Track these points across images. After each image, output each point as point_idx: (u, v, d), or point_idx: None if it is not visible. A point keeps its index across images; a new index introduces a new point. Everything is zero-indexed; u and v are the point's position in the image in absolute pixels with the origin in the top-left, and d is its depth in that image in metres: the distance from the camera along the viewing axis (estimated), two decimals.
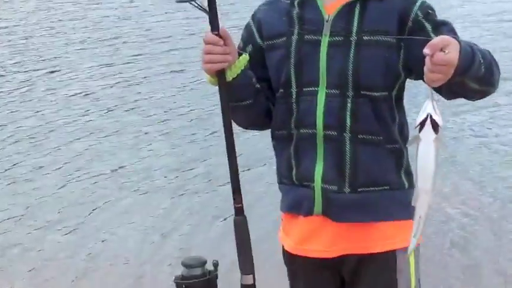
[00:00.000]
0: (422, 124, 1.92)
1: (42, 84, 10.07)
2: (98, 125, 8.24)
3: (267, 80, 2.30)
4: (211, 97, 7.99)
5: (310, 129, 2.20)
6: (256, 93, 2.28)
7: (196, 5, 2.11)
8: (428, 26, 2.16)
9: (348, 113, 2.17)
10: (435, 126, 1.92)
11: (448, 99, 2.18)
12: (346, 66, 2.16)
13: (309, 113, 2.20)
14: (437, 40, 1.91)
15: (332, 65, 2.18)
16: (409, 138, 2.07)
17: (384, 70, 2.17)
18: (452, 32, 2.11)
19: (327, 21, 2.19)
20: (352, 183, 2.19)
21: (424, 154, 1.95)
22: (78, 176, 6.78)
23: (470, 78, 2.03)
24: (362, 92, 2.17)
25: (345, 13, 2.18)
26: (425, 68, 1.93)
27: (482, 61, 2.04)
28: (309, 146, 2.22)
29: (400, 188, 2.23)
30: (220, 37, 2.15)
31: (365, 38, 2.16)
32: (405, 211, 2.15)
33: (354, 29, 2.17)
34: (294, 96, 2.23)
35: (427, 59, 1.91)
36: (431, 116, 1.91)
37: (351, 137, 2.17)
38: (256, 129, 2.48)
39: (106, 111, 8.77)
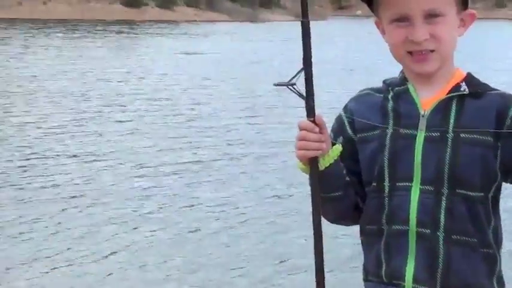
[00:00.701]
0: None
1: None
2: None
3: (356, 174, 2.24)
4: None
5: (402, 225, 2.13)
6: (346, 185, 2.23)
7: (294, 89, 2.10)
8: None
9: (443, 211, 2.10)
10: None
11: None
12: (443, 162, 2.11)
13: (401, 209, 2.13)
14: None
15: (428, 161, 2.12)
16: None
17: (481, 170, 2.11)
18: None
19: (423, 116, 2.15)
20: (443, 285, 2.10)
21: None
22: None
23: None
24: (457, 191, 2.10)
25: (442, 109, 2.14)
26: None
27: None
28: (400, 243, 2.14)
29: None
30: (316, 124, 2.12)
31: (462, 135, 2.11)
32: None
33: (451, 125, 2.12)
34: (386, 191, 2.16)
35: None
36: None
37: (445, 236, 2.10)
38: (342, 224, 2.40)
39: None
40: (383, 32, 2.22)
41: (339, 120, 2.30)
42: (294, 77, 2.08)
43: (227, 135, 14.34)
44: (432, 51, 2.12)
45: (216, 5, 79.78)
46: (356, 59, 30.14)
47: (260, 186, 10.57)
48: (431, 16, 2.10)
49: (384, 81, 2.29)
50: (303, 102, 2.11)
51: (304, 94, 2.09)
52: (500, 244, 2.16)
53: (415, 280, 2.11)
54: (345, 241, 7.46)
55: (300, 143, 2.12)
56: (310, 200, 2.14)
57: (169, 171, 11.21)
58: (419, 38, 2.10)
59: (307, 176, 2.17)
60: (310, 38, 2.10)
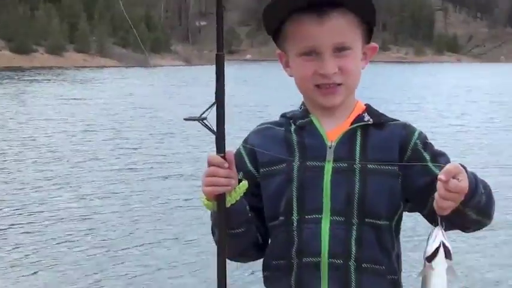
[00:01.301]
0: (433, 253, 1.86)
1: None
2: None
3: (256, 209, 2.22)
4: None
5: (314, 257, 2.12)
6: (248, 222, 2.19)
7: (205, 124, 2.05)
8: (427, 156, 2.15)
9: (353, 241, 2.11)
10: (448, 254, 1.87)
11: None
12: (352, 193, 2.12)
13: (313, 241, 2.12)
14: (451, 167, 1.90)
15: (337, 192, 2.13)
16: (423, 269, 1.95)
17: (387, 199, 2.14)
18: (448, 163, 2.07)
19: (330, 148, 2.16)
20: None
21: (437, 285, 1.88)
22: None
23: (471, 208, 2.01)
24: (367, 220, 2.13)
25: (347, 140, 2.16)
26: (437, 195, 1.90)
27: (483, 191, 2.04)
28: (312, 275, 2.13)
29: None
30: (225, 160, 2.07)
31: (369, 166, 2.14)
32: None
33: (357, 156, 2.15)
34: (295, 224, 2.15)
35: (440, 186, 1.89)
36: (444, 244, 1.86)
37: (356, 265, 2.11)
38: (240, 261, 2.35)
39: None
40: (286, 65, 2.23)
41: (238, 154, 2.23)
42: (205, 112, 2.06)
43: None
44: (339, 84, 2.14)
45: (106, 51, 79.16)
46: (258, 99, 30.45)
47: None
48: (339, 50, 2.12)
49: (283, 115, 2.28)
50: None
51: (215, 129, 2.06)
52: (401, 271, 2.20)
53: None
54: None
55: (209, 179, 2.07)
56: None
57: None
58: (329, 72, 2.12)
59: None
60: (223, 71, 2.08)
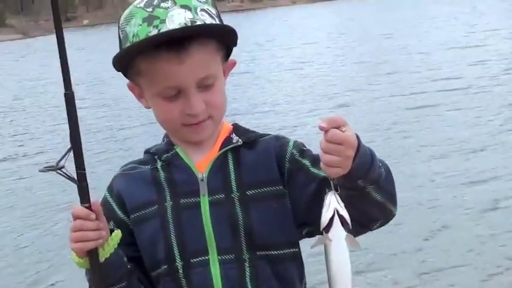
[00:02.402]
0: (329, 223, 1.66)
1: None
2: None
3: (134, 259, 2.00)
4: None
5: None
6: (129, 274, 1.97)
7: (63, 173, 1.84)
8: (307, 162, 1.94)
9: (248, 279, 1.92)
10: (344, 222, 1.67)
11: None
12: (236, 226, 1.92)
13: (204, 286, 1.92)
14: (334, 116, 1.67)
15: (219, 227, 1.93)
16: (316, 240, 1.75)
17: (280, 224, 1.94)
18: None
19: (202, 180, 1.95)
20: None
21: (338, 257, 1.67)
22: None
23: (372, 184, 1.77)
24: (259, 253, 1.93)
25: (219, 167, 1.97)
26: (319, 151, 1.68)
27: (381, 165, 1.81)
28: None
29: None
30: (92, 211, 1.85)
31: (249, 192, 1.94)
32: None
33: (234, 183, 1.95)
34: (181, 271, 1.94)
35: (321, 138, 1.66)
36: (338, 212, 1.67)
37: None
38: None
39: None
40: (140, 96, 2.00)
41: (105, 202, 2.03)
42: (61, 159, 1.84)
43: None
44: (209, 117, 1.96)
45: None
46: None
47: None
48: (204, 84, 1.92)
49: (147, 151, 2.08)
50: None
51: (76, 177, 1.84)
52: None
53: None
54: None
55: (76, 235, 1.85)
56: None
57: None
58: (198, 111, 1.92)
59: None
60: (76, 111, 1.86)
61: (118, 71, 1.98)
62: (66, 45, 1.83)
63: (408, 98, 15.13)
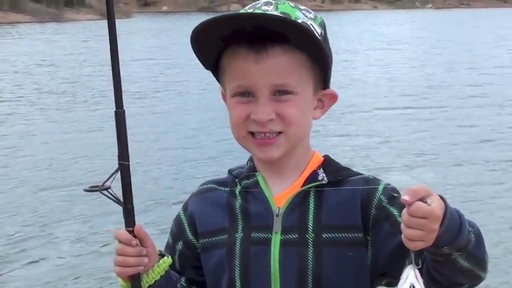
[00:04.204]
0: None
1: None
2: None
3: (199, 284, 1.91)
4: None
5: None
6: None
7: (109, 194, 1.78)
8: (395, 211, 1.75)
9: None
10: None
11: None
12: (304, 271, 1.77)
13: None
14: (418, 187, 1.51)
15: (286, 270, 1.78)
16: None
17: (349, 275, 1.78)
18: None
19: (277, 216, 1.80)
20: None
21: None
22: None
23: (459, 251, 1.61)
24: None
25: (298, 204, 1.81)
26: (402, 224, 1.53)
27: (471, 229, 1.62)
28: None
29: None
30: (135, 236, 1.78)
31: (324, 235, 1.79)
32: None
33: (310, 224, 1.79)
34: None
35: (404, 211, 1.51)
36: None
37: None
38: None
39: None
40: (225, 100, 1.89)
41: (177, 221, 1.95)
42: (107, 180, 1.77)
43: None
44: (280, 132, 1.79)
45: (20, 6, 76.80)
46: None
47: None
48: (280, 93, 1.77)
49: (230, 171, 1.94)
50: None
51: (122, 199, 1.78)
52: None
53: None
54: None
55: (117, 259, 1.79)
56: None
57: None
58: (263, 118, 1.76)
59: None
60: (125, 129, 1.78)
61: (206, 68, 1.87)
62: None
63: None
